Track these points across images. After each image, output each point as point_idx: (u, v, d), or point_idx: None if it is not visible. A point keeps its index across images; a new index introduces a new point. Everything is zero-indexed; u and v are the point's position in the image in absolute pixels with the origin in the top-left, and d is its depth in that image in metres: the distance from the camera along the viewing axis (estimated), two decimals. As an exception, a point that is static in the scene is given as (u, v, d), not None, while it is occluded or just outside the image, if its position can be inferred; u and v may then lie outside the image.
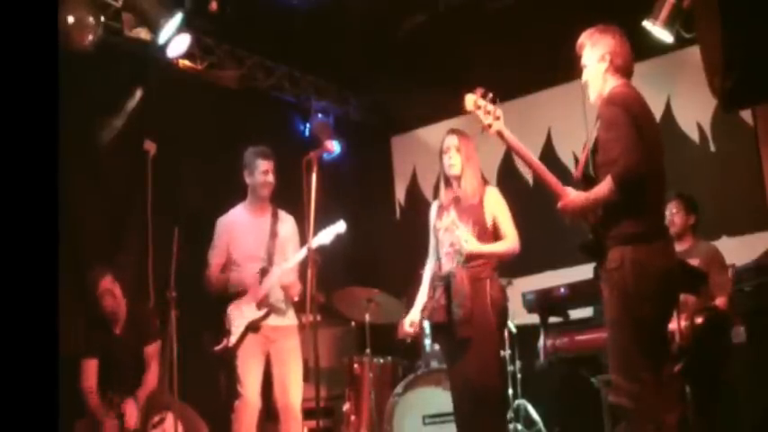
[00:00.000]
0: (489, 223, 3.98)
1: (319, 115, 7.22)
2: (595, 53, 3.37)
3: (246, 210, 4.88)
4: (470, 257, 3.89)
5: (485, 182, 4.15)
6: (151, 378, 4.69)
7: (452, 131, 4.19)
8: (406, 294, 6.20)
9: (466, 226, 3.92)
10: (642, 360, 3.09)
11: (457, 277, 3.90)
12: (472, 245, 3.86)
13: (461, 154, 4.05)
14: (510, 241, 3.99)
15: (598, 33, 3.41)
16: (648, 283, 3.12)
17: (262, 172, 4.76)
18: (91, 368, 4.64)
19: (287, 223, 4.90)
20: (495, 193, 4.11)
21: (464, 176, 4.04)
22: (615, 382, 3.09)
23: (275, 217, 4.88)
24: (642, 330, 3.12)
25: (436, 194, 4.26)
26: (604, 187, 3.14)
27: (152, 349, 4.73)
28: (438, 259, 4.10)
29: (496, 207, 4.03)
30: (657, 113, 6.26)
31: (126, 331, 4.75)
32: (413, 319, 4.21)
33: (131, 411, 4.52)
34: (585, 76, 3.41)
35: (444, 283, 3.96)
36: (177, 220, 4.55)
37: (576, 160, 5.66)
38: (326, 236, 4.60)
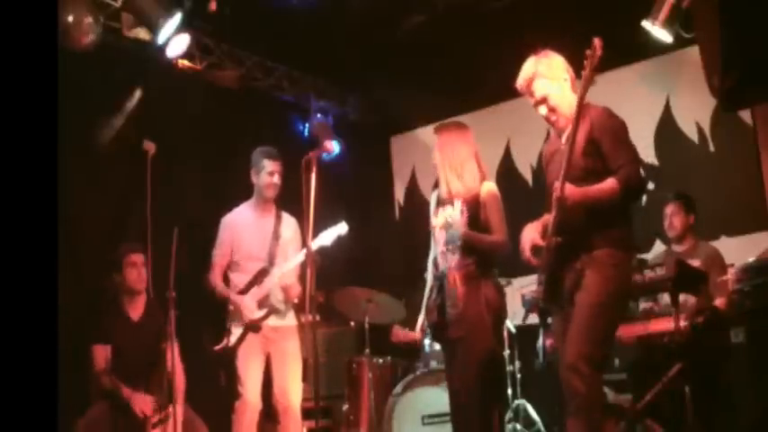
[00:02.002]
0: (484, 217, 3.92)
1: (318, 115, 7.22)
2: (556, 76, 3.35)
3: (251, 209, 4.89)
4: (463, 251, 3.86)
5: (482, 177, 4.04)
6: (179, 377, 4.58)
7: (435, 129, 4.17)
8: (405, 295, 6.21)
9: (462, 216, 3.89)
10: (607, 353, 3.27)
11: (449, 277, 3.89)
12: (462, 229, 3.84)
13: (439, 152, 4.02)
14: (496, 236, 3.91)
15: (545, 58, 3.39)
16: (629, 287, 3.35)
17: (268, 173, 4.76)
18: (102, 354, 4.60)
19: (290, 225, 4.90)
20: (491, 189, 4.01)
21: (442, 174, 4.01)
22: (578, 368, 3.10)
23: (279, 218, 4.88)
24: (614, 325, 3.27)
25: (436, 188, 4.23)
26: (607, 186, 3.14)
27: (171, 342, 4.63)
28: (435, 258, 4.09)
29: (489, 203, 3.96)
30: (657, 113, 6.29)
31: (143, 320, 4.73)
32: (422, 322, 4.22)
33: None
34: (553, 102, 3.35)
35: (438, 282, 3.96)
36: (177, 221, 4.54)
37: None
38: (328, 237, 4.61)
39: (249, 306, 4.65)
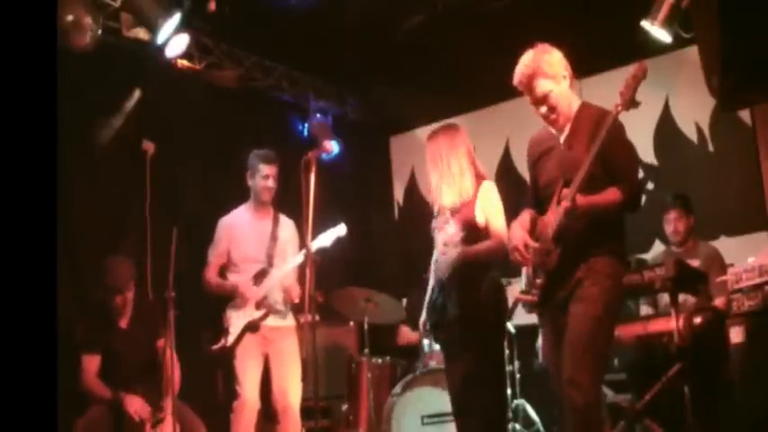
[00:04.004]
0: (481, 222, 3.87)
1: (318, 115, 7.22)
2: (556, 74, 3.28)
3: (248, 212, 4.90)
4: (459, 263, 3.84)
5: (479, 178, 3.97)
6: (176, 374, 4.54)
7: (427, 137, 4.09)
8: (405, 295, 6.21)
9: (456, 226, 3.88)
10: (603, 364, 3.20)
11: (449, 278, 3.87)
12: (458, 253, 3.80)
13: (429, 162, 3.98)
14: (493, 241, 3.83)
15: (545, 55, 3.30)
16: (622, 298, 3.33)
17: (263, 177, 4.77)
18: (92, 364, 4.61)
19: (287, 227, 4.91)
20: (488, 188, 3.94)
21: (434, 186, 3.97)
22: (575, 379, 3.03)
23: (276, 220, 4.89)
24: (611, 335, 3.21)
25: None
26: (613, 197, 3.11)
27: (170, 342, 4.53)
28: (437, 258, 4.08)
29: (487, 204, 3.90)
30: (656, 113, 6.29)
31: (132, 325, 4.72)
32: (423, 321, 4.20)
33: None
34: (553, 101, 3.26)
35: (439, 283, 3.95)
36: (176, 220, 4.54)
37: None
38: (327, 238, 4.62)
39: (251, 288, 4.65)
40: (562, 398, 3.13)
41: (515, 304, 4.70)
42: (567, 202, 3.04)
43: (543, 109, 3.30)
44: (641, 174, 6.13)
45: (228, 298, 4.75)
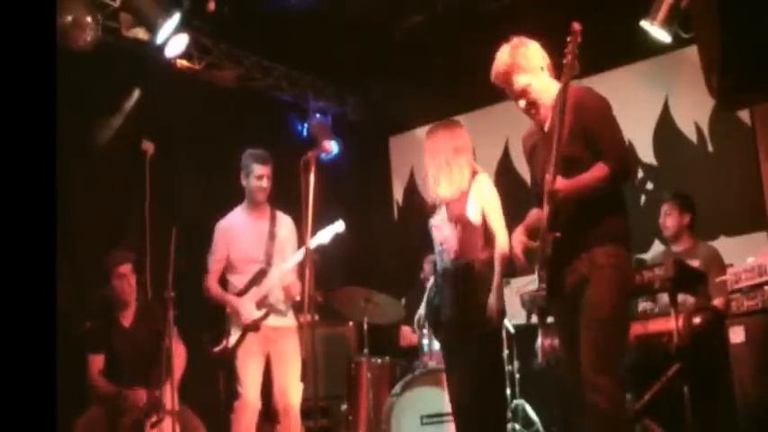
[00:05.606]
0: (475, 218, 3.83)
1: (317, 115, 7.22)
2: (533, 66, 3.23)
3: (245, 212, 4.89)
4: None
5: (473, 171, 3.94)
6: (179, 363, 4.60)
7: (425, 133, 4.09)
8: (404, 295, 6.21)
9: (450, 224, 3.86)
10: (621, 361, 3.10)
11: (446, 278, 3.86)
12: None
13: (426, 156, 3.98)
14: (500, 245, 3.79)
15: (521, 48, 3.26)
16: (632, 283, 3.22)
17: (256, 177, 4.76)
18: (97, 362, 4.62)
19: (285, 225, 4.90)
20: (482, 183, 3.89)
21: (429, 180, 3.96)
22: (597, 383, 2.97)
23: (273, 219, 4.88)
24: (626, 330, 3.16)
25: None
26: (597, 172, 3.03)
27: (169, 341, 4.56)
28: (434, 260, 4.07)
29: (483, 199, 3.86)
30: (655, 113, 6.28)
31: (135, 325, 4.73)
32: (418, 317, 4.20)
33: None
34: (533, 95, 3.21)
35: (438, 282, 3.94)
36: (175, 220, 4.54)
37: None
38: (325, 235, 4.63)
39: (246, 307, 4.64)
40: (574, 400, 3.09)
41: (532, 304, 4.70)
42: (548, 185, 3.01)
43: (523, 103, 3.26)
44: (641, 173, 6.15)
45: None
